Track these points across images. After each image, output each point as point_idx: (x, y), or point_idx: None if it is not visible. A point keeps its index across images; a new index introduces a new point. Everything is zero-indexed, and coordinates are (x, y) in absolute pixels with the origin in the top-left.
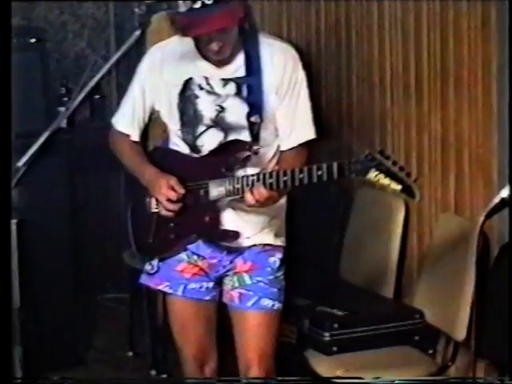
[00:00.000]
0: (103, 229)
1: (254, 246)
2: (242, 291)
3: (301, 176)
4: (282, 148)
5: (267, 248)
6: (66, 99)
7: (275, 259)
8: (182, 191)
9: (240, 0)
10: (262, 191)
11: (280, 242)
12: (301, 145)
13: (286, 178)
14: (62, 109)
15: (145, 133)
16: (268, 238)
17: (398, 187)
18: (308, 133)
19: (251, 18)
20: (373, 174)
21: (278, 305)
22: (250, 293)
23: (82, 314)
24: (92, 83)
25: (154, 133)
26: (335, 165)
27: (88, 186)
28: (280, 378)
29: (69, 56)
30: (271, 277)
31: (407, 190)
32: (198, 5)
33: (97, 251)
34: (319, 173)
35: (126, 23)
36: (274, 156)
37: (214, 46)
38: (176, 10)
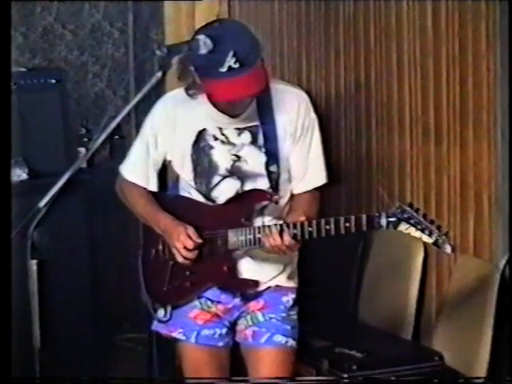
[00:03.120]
0: (121, 268)
1: (268, 288)
2: (255, 329)
3: (327, 227)
4: (295, 192)
5: (280, 288)
6: (85, 139)
7: (288, 298)
8: (199, 240)
9: (262, 61)
10: (286, 239)
11: (293, 283)
12: (314, 189)
13: (311, 229)
14: (82, 149)
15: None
16: (281, 280)
17: (430, 240)
18: (320, 177)
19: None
20: (403, 227)
21: (291, 342)
22: (263, 329)
23: (99, 354)
24: (113, 124)
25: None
26: (364, 217)
27: (107, 225)
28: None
29: (88, 96)
30: (284, 314)
31: (439, 243)
32: (224, 68)
33: (115, 291)
34: (347, 224)
35: (146, 64)
36: (288, 201)
37: (236, 106)
38: (196, 51)
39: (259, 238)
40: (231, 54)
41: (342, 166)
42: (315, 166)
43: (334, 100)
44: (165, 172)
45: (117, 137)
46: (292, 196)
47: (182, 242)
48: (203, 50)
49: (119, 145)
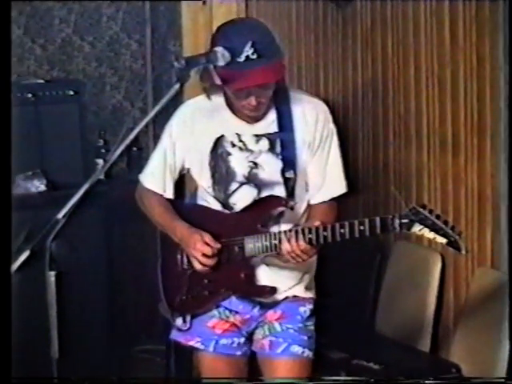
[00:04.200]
0: (139, 280)
1: (286, 298)
2: (272, 339)
3: (342, 231)
4: (312, 202)
5: (297, 299)
6: (103, 151)
7: (305, 309)
8: (217, 246)
9: (281, 57)
10: (301, 244)
11: (310, 294)
12: (331, 199)
13: (326, 233)
14: (100, 160)
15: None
16: (299, 290)
17: (444, 241)
18: (339, 187)
19: (284, 76)
20: (417, 228)
21: (308, 352)
22: (280, 340)
23: (116, 365)
24: (131, 136)
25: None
26: (378, 219)
27: (125, 236)
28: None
29: (106, 108)
30: (301, 325)
31: (453, 244)
32: (241, 58)
33: (132, 302)
34: (361, 228)
35: (164, 76)
36: (305, 210)
37: (253, 102)
38: (214, 63)
39: (275, 245)
40: (249, 44)
41: (360, 177)
42: (333, 176)
43: (352, 111)
44: (183, 183)
45: (135, 149)
46: (309, 206)
47: (200, 249)
48: (221, 62)
49: (137, 157)
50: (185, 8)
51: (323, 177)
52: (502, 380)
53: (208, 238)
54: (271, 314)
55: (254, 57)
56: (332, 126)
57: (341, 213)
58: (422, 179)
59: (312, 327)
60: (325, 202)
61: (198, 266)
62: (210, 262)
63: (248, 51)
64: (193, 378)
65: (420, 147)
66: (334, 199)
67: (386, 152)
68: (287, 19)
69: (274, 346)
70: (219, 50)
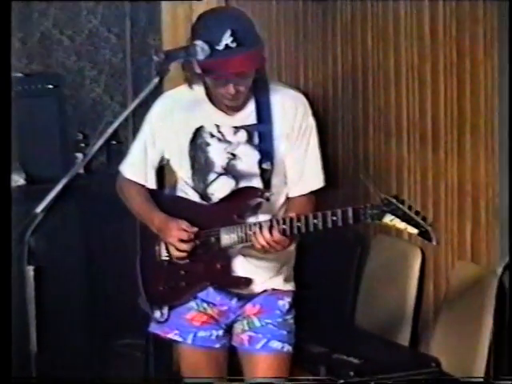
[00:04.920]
0: (119, 273)
1: (265, 291)
2: (252, 334)
3: (315, 221)
4: (291, 195)
5: (276, 292)
6: (82, 145)
7: (284, 303)
8: (193, 230)
9: (261, 46)
10: (275, 235)
11: (290, 286)
12: (310, 192)
13: (299, 224)
14: (79, 155)
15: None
16: (277, 283)
17: (415, 231)
18: (317, 181)
19: (264, 67)
20: (388, 219)
21: (287, 347)
22: (259, 335)
23: (96, 360)
24: (110, 130)
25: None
26: (350, 210)
27: (104, 231)
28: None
29: (86, 102)
30: (280, 319)
31: (424, 234)
32: (221, 47)
33: (112, 297)
34: (334, 218)
35: (144, 70)
36: (283, 203)
37: (231, 90)
38: (194, 57)
39: (250, 235)
40: (229, 32)
41: (340, 171)
42: (312, 170)
43: (332, 105)
44: (163, 175)
45: (114, 142)
46: (288, 199)
47: (176, 235)
48: (200, 56)
49: (117, 150)
50: (164, 2)
51: (301, 170)
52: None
53: (185, 224)
54: (250, 308)
55: (234, 45)
56: (311, 120)
57: (320, 206)
58: (402, 173)
59: (291, 321)
60: (303, 195)
61: (175, 253)
62: (187, 247)
63: (227, 39)
64: (172, 377)
65: (400, 141)
66: (312, 193)
67: (365, 146)
68: (267, 13)
69: (253, 341)
70: (199, 43)
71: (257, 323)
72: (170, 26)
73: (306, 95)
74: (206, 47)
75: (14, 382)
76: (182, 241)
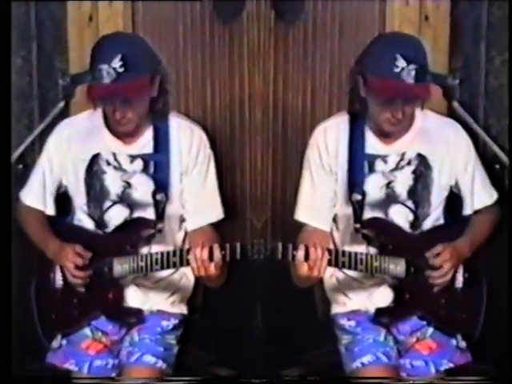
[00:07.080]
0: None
1: (151, 312)
2: (130, 349)
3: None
4: (189, 228)
5: (162, 313)
6: None
7: (168, 323)
8: (88, 255)
9: (155, 74)
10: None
11: (178, 309)
12: (208, 225)
13: (189, 257)
14: None
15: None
16: (164, 305)
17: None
18: (215, 213)
19: (166, 97)
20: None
21: (161, 364)
22: (136, 349)
23: None
24: (16, 153)
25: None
26: (238, 245)
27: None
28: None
29: None
30: (159, 336)
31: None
32: (110, 71)
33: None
34: (223, 253)
35: (50, 93)
36: (184, 237)
37: (117, 115)
38: (100, 81)
39: (141, 267)
40: (119, 56)
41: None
42: (210, 202)
43: (239, 129)
44: (65, 202)
45: (20, 166)
46: (188, 233)
47: (71, 260)
48: (107, 80)
49: (22, 174)
50: (71, 24)
51: (199, 203)
52: None
53: (79, 248)
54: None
55: (121, 70)
56: (209, 151)
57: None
58: None
59: (173, 341)
60: (203, 228)
61: (71, 279)
62: (82, 274)
63: (116, 64)
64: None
65: None
66: (211, 226)
67: (274, 169)
68: (174, 36)
69: (129, 355)
70: (104, 67)
71: (136, 338)
72: (76, 48)
73: (213, 116)
74: (112, 71)
75: (13, 383)
76: (77, 267)
